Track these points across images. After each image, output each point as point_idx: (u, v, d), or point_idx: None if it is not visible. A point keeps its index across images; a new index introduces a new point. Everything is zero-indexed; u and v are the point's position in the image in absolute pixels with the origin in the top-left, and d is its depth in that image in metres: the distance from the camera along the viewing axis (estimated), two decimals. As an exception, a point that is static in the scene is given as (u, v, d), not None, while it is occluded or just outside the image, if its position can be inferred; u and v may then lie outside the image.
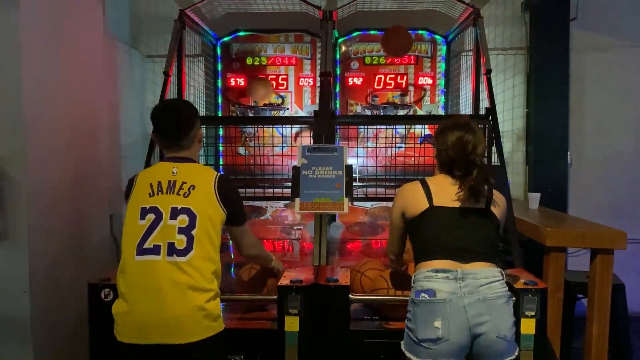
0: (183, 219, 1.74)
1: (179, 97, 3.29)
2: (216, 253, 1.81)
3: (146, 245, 1.71)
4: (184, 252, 1.71)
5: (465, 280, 1.78)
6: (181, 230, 1.73)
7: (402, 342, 1.88)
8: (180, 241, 1.72)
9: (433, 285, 1.78)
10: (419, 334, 1.77)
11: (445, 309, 1.74)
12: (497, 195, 1.95)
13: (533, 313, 2.04)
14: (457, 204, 1.88)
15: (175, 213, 1.74)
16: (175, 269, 1.69)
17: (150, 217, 1.74)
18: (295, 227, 3.25)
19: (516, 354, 1.83)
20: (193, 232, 1.74)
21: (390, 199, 3.09)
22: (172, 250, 1.71)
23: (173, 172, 1.81)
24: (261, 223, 3.33)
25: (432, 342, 1.74)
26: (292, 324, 2.07)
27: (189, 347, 1.67)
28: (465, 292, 1.76)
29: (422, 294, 1.78)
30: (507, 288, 1.84)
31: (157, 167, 1.90)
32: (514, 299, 1.96)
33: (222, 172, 3.69)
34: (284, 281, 2.14)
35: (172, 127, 1.87)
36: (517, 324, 1.89)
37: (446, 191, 1.90)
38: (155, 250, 1.70)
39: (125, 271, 1.73)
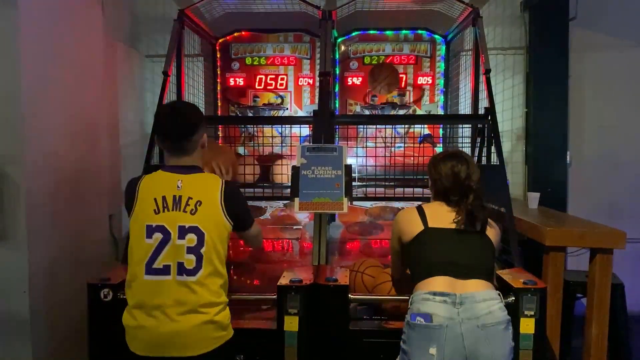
0: (191, 238, 1.73)
1: (179, 98, 3.29)
2: (223, 266, 1.80)
3: (155, 266, 1.71)
4: (193, 272, 1.72)
5: (463, 305, 1.75)
6: (190, 250, 1.72)
7: None
8: (190, 261, 1.72)
9: (430, 309, 1.76)
10: (413, 359, 1.75)
11: (441, 335, 1.72)
12: (492, 223, 2.00)
13: (532, 313, 2.04)
14: (452, 226, 1.91)
15: (183, 232, 1.72)
16: (185, 289, 1.70)
17: (158, 236, 1.72)
18: (294, 227, 3.26)
19: None
20: (202, 251, 1.73)
21: (390, 199, 3.14)
22: (181, 270, 1.71)
23: (178, 187, 1.76)
24: (260, 223, 3.32)
25: None
26: (291, 323, 2.07)
27: (200, 358, 1.70)
28: (463, 317, 1.74)
29: (419, 318, 1.76)
30: (506, 312, 1.82)
31: (160, 177, 1.82)
32: (512, 300, 1.96)
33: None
34: (284, 281, 2.14)
35: (174, 131, 1.82)
36: (515, 350, 1.88)
37: (442, 216, 1.94)
38: (165, 270, 1.71)
39: (134, 288, 1.73)
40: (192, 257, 1.71)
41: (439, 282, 1.81)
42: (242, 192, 2.05)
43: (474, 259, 1.88)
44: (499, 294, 1.85)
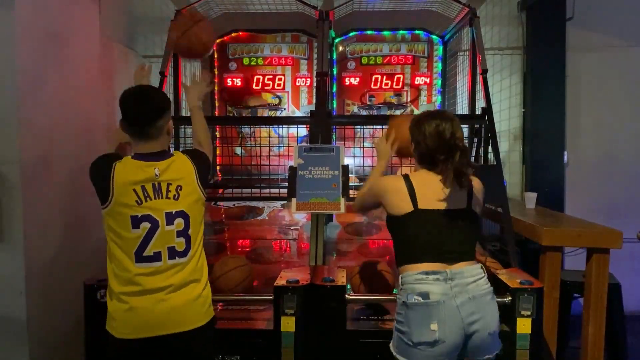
0: (179, 223, 1.76)
1: (176, 98, 3.29)
2: (202, 236, 1.87)
3: (146, 253, 1.72)
4: (184, 253, 1.77)
5: (454, 280, 1.78)
6: (179, 234, 1.76)
7: (390, 345, 1.86)
8: (180, 244, 1.76)
9: (425, 287, 1.77)
10: (414, 337, 1.75)
11: (440, 311, 1.74)
12: (475, 181, 1.92)
13: (529, 312, 2.05)
14: (441, 205, 1.85)
15: (170, 218, 1.75)
16: (177, 270, 1.75)
17: (145, 225, 1.72)
18: (292, 227, 3.26)
19: (500, 347, 1.84)
20: (189, 232, 1.78)
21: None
22: (173, 253, 1.75)
23: (155, 174, 1.75)
24: (258, 223, 3.33)
25: (429, 345, 1.73)
26: (288, 324, 2.07)
27: (190, 334, 1.73)
28: (456, 292, 1.76)
29: (416, 297, 1.77)
30: (489, 284, 1.85)
31: (134, 166, 1.76)
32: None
33: (218, 173, 3.73)
34: (280, 281, 2.14)
35: (141, 114, 1.76)
36: (500, 320, 1.88)
37: (431, 189, 1.85)
38: (156, 257, 1.72)
39: (122, 276, 1.72)
40: (182, 240, 1.76)
41: (430, 265, 1.83)
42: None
43: (462, 243, 1.87)
44: (482, 267, 1.87)
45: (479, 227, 1.99)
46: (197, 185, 1.83)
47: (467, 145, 1.92)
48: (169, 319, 1.71)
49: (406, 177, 1.90)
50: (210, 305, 1.83)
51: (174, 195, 1.76)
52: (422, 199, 1.86)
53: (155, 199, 1.74)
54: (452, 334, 1.73)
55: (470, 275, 1.81)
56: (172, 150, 2.03)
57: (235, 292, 2.42)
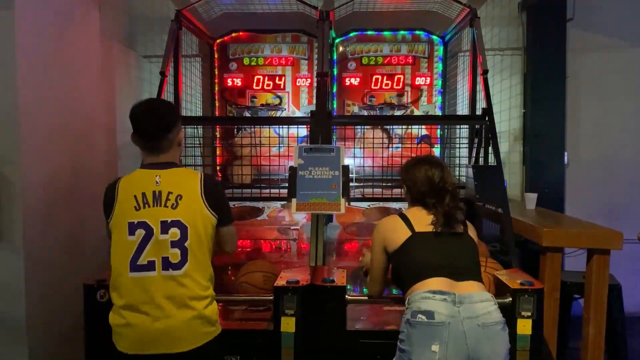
0: (174, 232, 1.72)
1: (177, 98, 3.29)
2: (209, 259, 1.81)
3: (140, 262, 1.70)
4: (179, 266, 1.71)
5: (462, 304, 1.75)
6: (174, 244, 1.71)
7: None
8: (175, 255, 1.71)
9: (431, 306, 1.74)
10: (414, 357, 1.72)
11: (443, 332, 1.70)
12: (468, 223, 2.02)
13: (529, 313, 2.04)
14: (437, 229, 1.92)
15: (165, 227, 1.72)
16: (172, 283, 1.70)
17: (140, 232, 1.71)
18: (292, 228, 3.25)
19: None
20: (186, 244, 1.73)
21: (387, 200, 3.13)
22: (167, 264, 1.70)
23: (157, 182, 1.76)
24: (258, 223, 3.33)
25: None
26: (288, 324, 2.06)
27: (189, 354, 1.69)
28: (464, 316, 1.73)
29: (420, 315, 1.73)
30: (501, 314, 1.82)
31: (137, 175, 1.83)
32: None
33: (218, 173, 3.73)
34: (280, 282, 2.14)
35: (151, 128, 1.81)
36: (511, 352, 1.86)
37: (424, 220, 1.95)
38: (150, 266, 1.70)
39: (120, 287, 1.72)
40: (177, 251, 1.71)
41: (436, 282, 1.81)
42: (223, 186, 2.07)
43: (465, 260, 1.89)
44: (492, 296, 1.86)
45: (477, 252, 2.00)
46: (202, 201, 1.78)
47: (456, 190, 2.03)
48: (164, 337, 1.67)
49: (400, 213, 2.03)
50: (213, 324, 1.77)
51: (172, 204, 1.74)
52: (418, 225, 1.94)
53: (153, 206, 1.73)
54: (454, 358, 1.69)
55: (480, 301, 1.77)
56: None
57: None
